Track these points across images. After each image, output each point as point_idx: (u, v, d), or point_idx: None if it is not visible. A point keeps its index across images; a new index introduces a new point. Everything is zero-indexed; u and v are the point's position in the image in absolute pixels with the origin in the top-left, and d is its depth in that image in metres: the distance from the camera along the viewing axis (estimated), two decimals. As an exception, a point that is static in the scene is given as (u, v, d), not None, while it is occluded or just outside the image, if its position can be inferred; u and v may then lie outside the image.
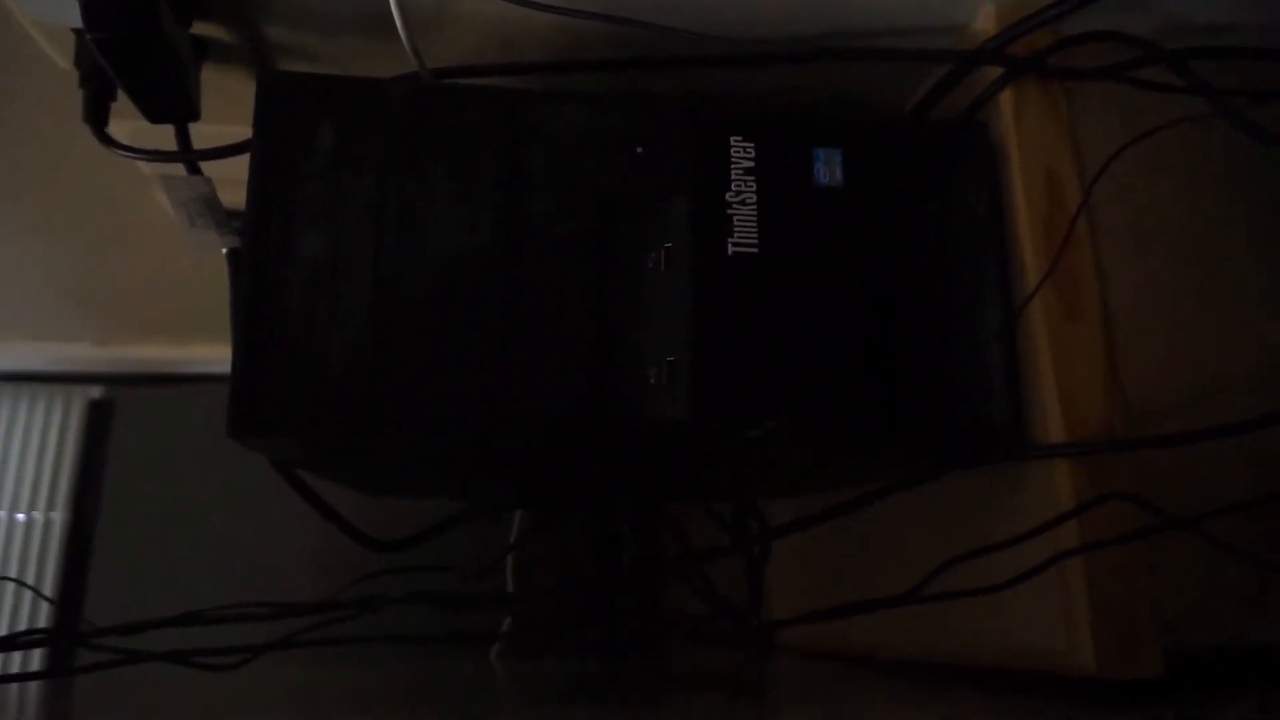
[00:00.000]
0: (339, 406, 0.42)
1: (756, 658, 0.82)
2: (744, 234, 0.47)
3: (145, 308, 1.18)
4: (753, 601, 0.76)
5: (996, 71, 0.52)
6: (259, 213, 0.43)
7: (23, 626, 1.20)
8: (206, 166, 0.54)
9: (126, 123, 0.54)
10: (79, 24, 0.46)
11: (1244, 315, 0.52)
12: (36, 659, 1.00)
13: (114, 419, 1.31)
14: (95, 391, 1.32)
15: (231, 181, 0.52)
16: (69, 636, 0.53)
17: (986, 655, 0.54)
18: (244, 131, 0.47)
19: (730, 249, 0.47)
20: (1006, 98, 0.52)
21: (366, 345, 0.43)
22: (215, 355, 1.23)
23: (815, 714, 0.56)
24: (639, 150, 0.47)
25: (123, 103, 0.53)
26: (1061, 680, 0.47)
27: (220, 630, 0.58)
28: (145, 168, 0.63)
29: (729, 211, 0.47)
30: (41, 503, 1.28)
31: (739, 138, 0.48)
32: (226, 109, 0.55)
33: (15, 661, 0.96)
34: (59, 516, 1.28)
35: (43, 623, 1.21)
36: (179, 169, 0.54)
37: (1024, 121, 0.51)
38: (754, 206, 0.47)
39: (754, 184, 0.48)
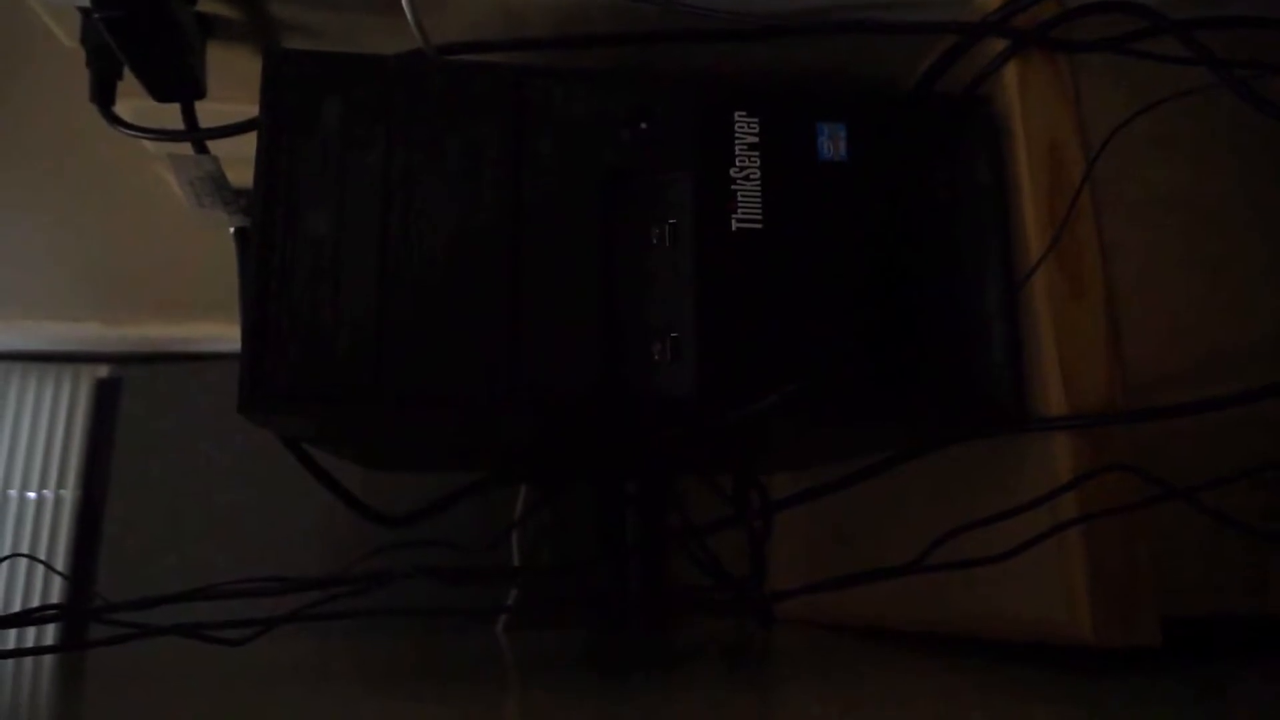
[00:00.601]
0: (347, 382, 0.43)
1: (759, 629, 0.82)
2: (748, 210, 0.47)
3: (152, 287, 1.18)
4: (755, 574, 0.76)
5: (1001, 44, 0.52)
6: (266, 191, 0.44)
7: (35, 603, 1.22)
8: (213, 145, 0.55)
9: (132, 101, 0.55)
10: (85, 3, 0.46)
11: (1249, 288, 0.52)
12: (50, 635, 1.01)
13: (122, 397, 1.32)
14: (103, 370, 1.33)
15: (239, 159, 0.53)
16: (82, 611, 0.54)
17: (987, 626, 0.55)
18: (250, 110, 0.47)
19: (734, 225, 0.47)
20: (1011, 70, 0.52)
21: (374, 321, 0.43)
22: (222, 334, 1.24)
23: (817, 684, 0.57)
24: (643, 126, 0.47)
25: (129, 81, 0.53)
26: (1063, 650, 0.48)
27: (230, 605, 0.59)
28: (152, 146, 0.63)
29: (733, 187, 0.47)
30: (51, 481, 1.30)
31: (743, 113, 0.48)
32: (232, 87, 0.55)
33: (29, 637, 0.97)
34: (69, 494, 1.29)
35: (55, 599, 1.23)
36: (186, 148, 0.54)
37: (1028, 94, 0.51)
38: (758, 182, 0.48)
39: (758, 159, 0.48)
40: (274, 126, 0.44)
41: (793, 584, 0.84)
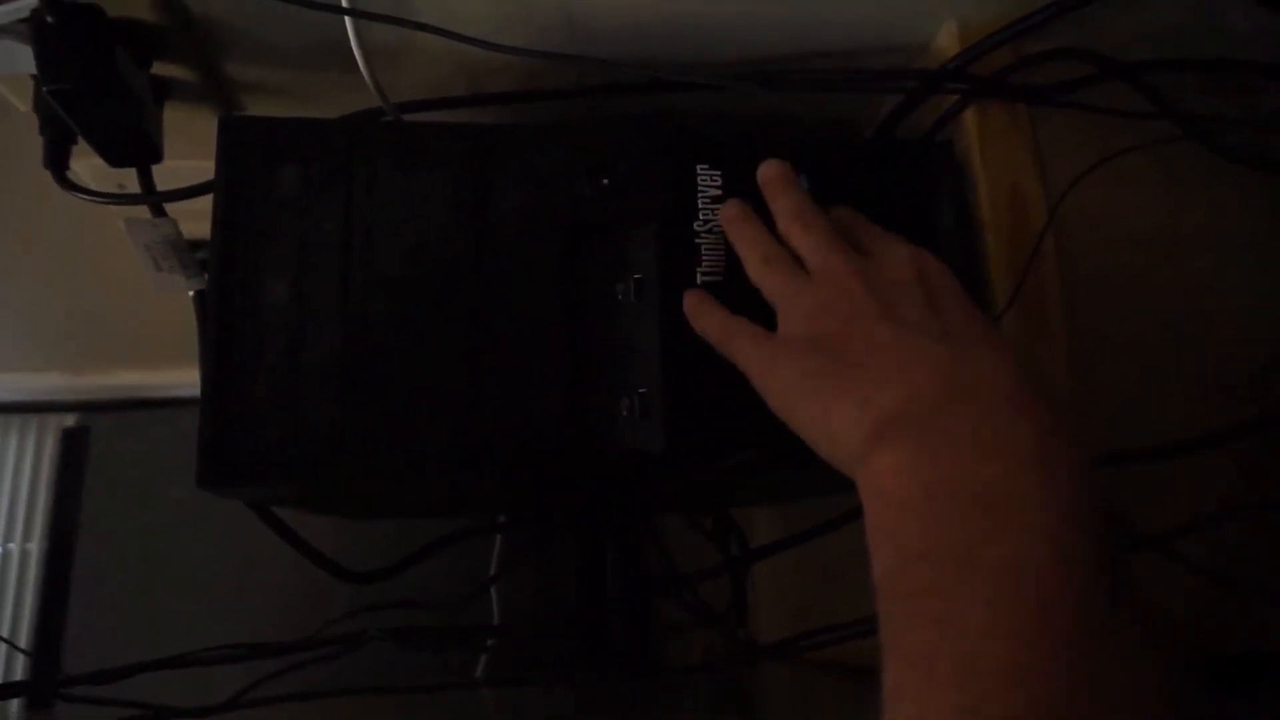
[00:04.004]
0: (310, 453, 0.42)
1: (745, 672, 0.82)
2: (712, 263, 0.47)
3: (117, 334, 1.17)
4: (738, 617, 0.76)
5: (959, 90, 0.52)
6: (223, 260, 0.43)
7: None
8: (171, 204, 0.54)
9: (91, 160, 0.54)
10: (35, 71, 0.46)
11: (1219, 326, 0.52)
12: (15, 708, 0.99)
13: (89, 446, 1.30)
14: (69, 419, 1.31)
15: (198, 213, 0.52)
16: (45, 685, 0.53)
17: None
18: (209, 167, 0.47)
19: (699, 278, 0.47)
20: (970, 116, 0.52)
21: (336, 389, 0.43)
22: (189, 380, 1.22)
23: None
24: (605, 182, 0.47)
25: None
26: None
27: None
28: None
29: (697, 241, 0.47)
30: (17, 534, 1.27)
31: (705, 166, 0.48)
32: (191, 146, 0.55)
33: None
34: (35, 547, 1.26)
35: (20, 657, 1.20)
36: (143, 210, 0.53)
37: (987, 140, 0.52)
38: (722, 235, 0.47)
39: (721, 213, 0.48)
40: (230, 194, 0.44)
41: (779, 617, 0.84)
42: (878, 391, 0.35)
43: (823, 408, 0.37)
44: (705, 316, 0.44)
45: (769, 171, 0.47)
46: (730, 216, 0.46)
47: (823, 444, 0.38)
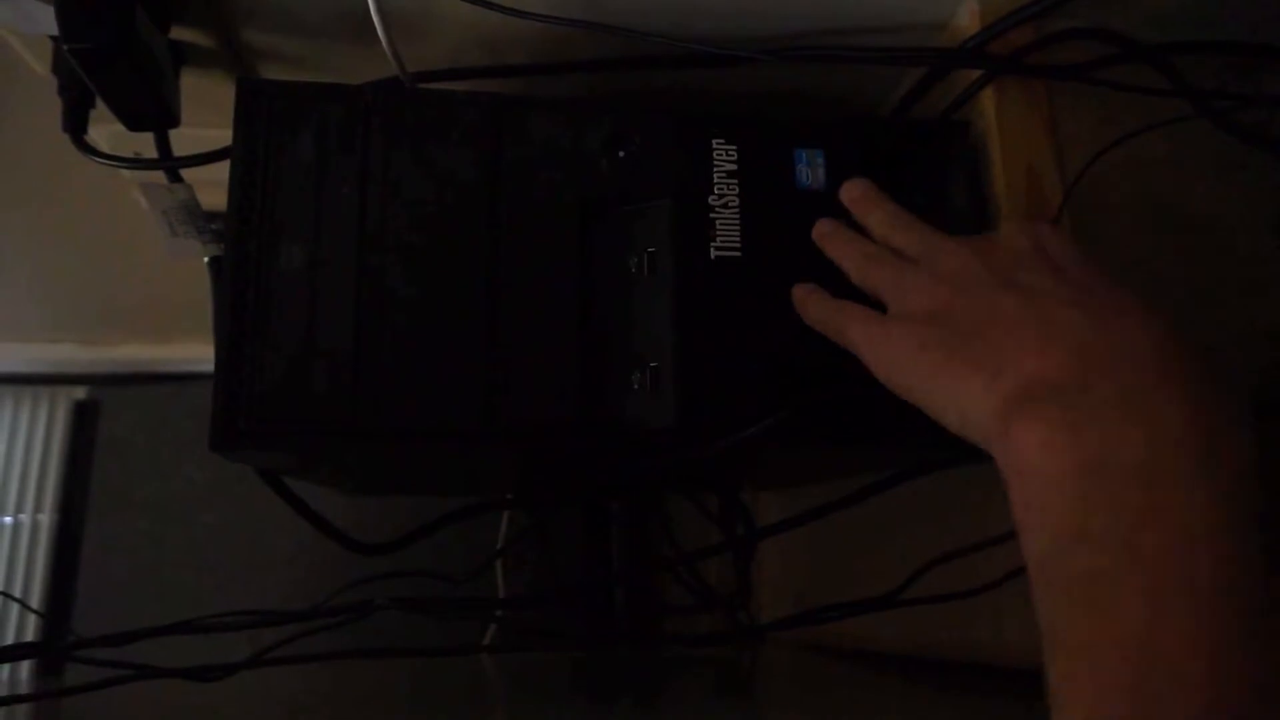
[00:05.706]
0: (323, 419, 0.42)
1: (747, 653, 0.82)
2: (727, 237, 0.47)
3: (129, 307, 1.17)
4: (741, 598, 0.76)
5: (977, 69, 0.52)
6: (240, 224, 0.43)
7: (12, 629, 1.20)
8: (188, 170, 0.54)
9: (109, 126, 0.54)
10: (56, 32, 0.46)
11: (1232, 308, 0.52)
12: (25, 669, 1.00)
13: (100, 419, 1.31)
14: (80, 392, 1.32)
15: (214, 183, 0.52)
16: (56, 649, 0.53)
17: (973, 651, 0.55)
18: (226, 135, 0.47)
19: (713, 253, 0.47)
20: (987, 96, 0.52)
21: (350, 356, 0.43)
22: (200, 353, 1.23)
23: (806, 709, 0.57)
24: (621, 155, 0.47)
25: (103, 106, 0.52)
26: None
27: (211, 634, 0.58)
28: (126, 173, 0.63)
29: (711, 215, 0.47)
30: (29, 505, 1.28)
31: (721, 140, 0.48)
32: (207, 113, 0.55)
33: (4, 672, 0.96)
34: (46, 518, 1.27)
35: (31, 625, 1.21)
36: (160, 176, 0.53)
37: (1005, 120, 0.51)
38: (736, 210, 0.47)
39: (736, 187, 0.48)
40: (247, 159, 0.44)
41: (780, 600, 0.84)
42: (1011, 363, 0.33)
43: (949, 382, 0.36)
44: (814, 305, 0.44)
45: (855, 191, 0.47)
46: (823, 233, 0.46)
47: (951, 418, 0.36)
